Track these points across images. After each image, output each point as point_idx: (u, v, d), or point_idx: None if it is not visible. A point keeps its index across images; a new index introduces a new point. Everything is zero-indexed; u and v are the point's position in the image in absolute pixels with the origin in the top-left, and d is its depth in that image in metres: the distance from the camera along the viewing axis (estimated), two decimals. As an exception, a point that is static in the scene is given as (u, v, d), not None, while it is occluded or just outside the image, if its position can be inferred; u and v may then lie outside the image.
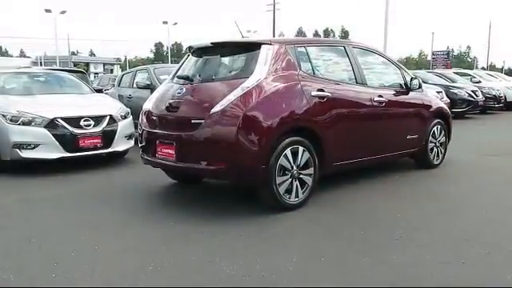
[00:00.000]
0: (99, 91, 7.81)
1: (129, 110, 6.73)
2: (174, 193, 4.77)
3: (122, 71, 27.82)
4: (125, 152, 6.47)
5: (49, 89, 6.94)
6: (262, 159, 3.66)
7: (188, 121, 3.83)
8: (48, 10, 37.89)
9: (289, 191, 3.89)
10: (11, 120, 5.58)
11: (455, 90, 13.58)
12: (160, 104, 4.29)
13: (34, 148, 5.57)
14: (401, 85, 5.32)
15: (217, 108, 3.65)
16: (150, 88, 7.85)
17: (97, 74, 44.80)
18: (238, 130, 3.54)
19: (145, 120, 4.45)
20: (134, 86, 8.52)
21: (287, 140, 3.81)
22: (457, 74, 17.14)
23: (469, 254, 2.97)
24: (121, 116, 6.34)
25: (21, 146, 5.54)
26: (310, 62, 4.22)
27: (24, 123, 5.57)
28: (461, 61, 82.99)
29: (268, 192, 3.77)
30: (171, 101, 4.09)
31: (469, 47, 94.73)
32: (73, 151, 5.72)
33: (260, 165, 3.65)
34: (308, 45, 4.29)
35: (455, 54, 78.40)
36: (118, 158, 6.50)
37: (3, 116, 5.62)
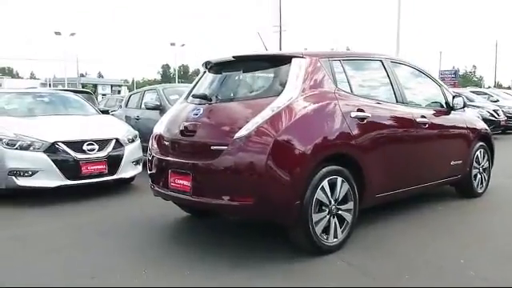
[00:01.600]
0: (105, 112, 7.29)
1: (137, 132, 6.19)
2: (187, 229, 4.15)
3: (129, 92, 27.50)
4: (132, 178, 5.89)
5: (51, 110, 6.42)
6: (297, 193, 3.05)
7: (207, 147, 3.25)
8: (58, 33, 38.08)
9: (326, 230, 3.27)
10: (7, 144, 5.04)
11: (476, 110, 12.95)
12: (173, 127, 3.72)
13: (31, 175, 5.00)
14: (441, 104, 4.72)
15: (242, 132, 3.07)
16: (160, 109, 7.36)
17: (104, 95, 44.66)
18: (267, 159, 2.95)
19: (155, 145, 3.87)
20: (143, 106, 8.02)
21: (324, 170, 3.21)
22: (474, 92, 16.53)
23: None
24: (128, 139, 5.78)
25: (17, 172, 4.98)
26: (347, 77, 3.64)
27: (22, 147, 5.03)
28: (467, 80, 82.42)
29: (302, 232, 3.15)
30: (186, 123, 3.52)
31: (474, 66, 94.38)
32: (74, 178, 5.15)
33: (294, 200, 3.04)
34: (343, 58, 3.72)
35: (461, 73, 78.01)
36: (123, 184, 5.91)
37: (-1, 140, 5.08)
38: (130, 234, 3.89)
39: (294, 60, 3.36)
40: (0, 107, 6.11)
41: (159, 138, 3.86)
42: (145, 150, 6.22)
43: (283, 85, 3.28)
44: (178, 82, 49.02)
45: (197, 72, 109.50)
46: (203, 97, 3.62)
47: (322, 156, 3.20)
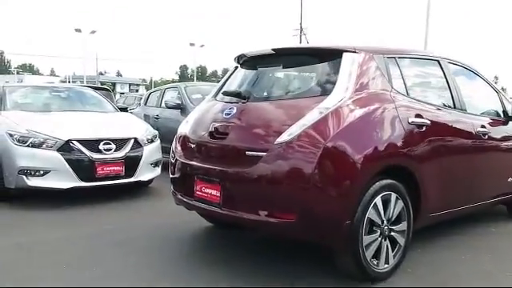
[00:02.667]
0: (124, 110, 6.90)
1: (156, 132, 5.78)
2: (213, 241, 3.70)
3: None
4: (150, 181, 5.48)
5: (67, 105, 6.06)
6: (347, 211, 2.58)
7: (240, 152, 2.80)
8: (78, 30, 38.20)
9: (376, 255, 2.78)
10: (19, 141, 4.67)
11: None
12: (201, 128, 3.28)
13: (43, 175, 4.62)
14: (498, 113, 4.18)
15: (284, 137, 2.61)
16: (181, 108, 6.98)
17: (122, 93, 44.81)
18: (315, 169, 2.48)
19: (179, 148, 3.44)
20: (163, 105, 7.66)
21: (378, 184, 2.73)
22: None
23: None
24: (147, 139, 5.38)
25: (28, 171, 4.60)
26: (402, 77, 3.15)
27: (34, 145, 4.65)
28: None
29: (350, 257, 2.67)
30: (217, 124, 3.07)
31: (496, 77, 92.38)
32: (89, 180, 4.76)
33: (344, 219, 2.56)
34: (399, 55, 3.23)
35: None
36: (141, 187, 5.50)
37: (10, 135, 4.71)
38: (149, 246, 3.46)
39: (345, 55, 2.89)
40: (13, 101, 5.76)
41: (184, 140, 3.42)
42: (164, 151, 5.85)
43: (332, 83, 2.80)
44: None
45: (214, 73, 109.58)
46: (237, 94, 3.16)
47: (378, 168, 2.71)
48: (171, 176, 3.51)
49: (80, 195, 4.87)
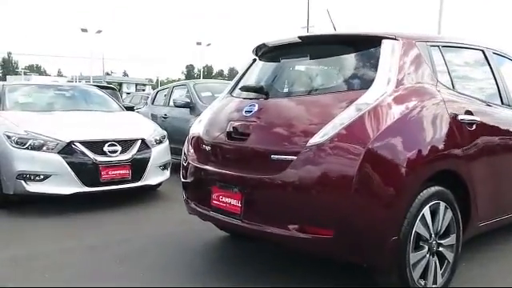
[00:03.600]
0: (130, 109, 6.54)
1: (165, 132, 5.41)
2: (226, 253, 3.32)
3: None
4: (158, 185, 5.11)
5: (70, 105, 5.70)
6: (393, 224, 2.19)
7: (265, 156, 2.41)
8: (84, 30, 38.05)
9: (424, 274, 2.39)
10: (17, 143, 4.32)
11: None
12: (216, 128, 2.91)
13: (43, 180, 4.27)
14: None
15: (317, 138, 2.22)
16: (190, 107, 6.61)
17: (129, 93, 44.63)
18: (357, 175, 2.09)
19: (192, 150, 3.06)
20: (171, 104, 7.29)
21: (426, 192, 2.33)
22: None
23: None
24: (155, 140, 5.01)
25: (27, 176, 4.25)
26: (447, 69, 2.75)
27: (33, 147, 4.30)
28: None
29: (396, 278, 2.28)
30: (235, 124, 2.69)
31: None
32: (93, 185, 4.40)
33: (390, 234, 2.17)
34: (442, 44, 2.82)
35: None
36: (149, 191, 5.14)
37: (8, 137, 4.37)
38: (159, 261, 3.08)
39: (385, 42, 2.48)
40: (13, 100, 5.41)
41: (197, 142, 3.04)
42: (173, 152, 5.49)
43: (371, 75, 2.40)
44: (202, 82, 48.32)
45: (221, 73, 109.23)
46: (258, 90, 2.77)
47: (428, 173, 2.32)
48: (183, 181, 3.14)
49: (83, 201, 4.51)
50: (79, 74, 55.64)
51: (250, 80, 3.11)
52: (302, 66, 2.89)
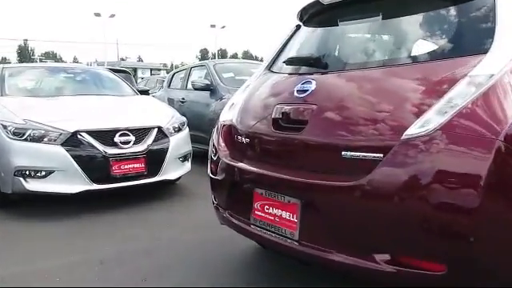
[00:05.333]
0: (144, 93, 5.87)
1: (184, 118, 4.74)
2: (269, 268, 2.65)
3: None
4: (177, 178, 4.47)
5: (78, 89, 5.07)
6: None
7: (334, 153, 1.71)
8: (97, 14, 37.51)
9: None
10: (14, 133, 3.70)
11: None
12: (256, 114, 2.20)
13: (44, 176, 3.65)
14: None
15: (417, 127, 1.50)
16: (210, 89, 5.93)
17: (143, 78, 44.24)
18: (489, 178, 1.37)
19: (223, 143, 2.37)
20: (189, 87, 6.62)
21: None
22: None
23: None
24: (174, 128, 4.35)
25: (26, 172, 3.65)
26: None
27: (32, 139, 3.67)
28: None
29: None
30: (286, 108, 1.97)
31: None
32: (102, 181, 3.77)
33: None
34: None
35: None
36: (167, 185, 4.50)
37: (4, 127, 3.76)
38: (185, 281, 2.44)
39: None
40: (14, 85, 4.79)
41: (230, 132, 2.35)
42: (192, 140, 4.84)
43: (484, 36, 1.65)
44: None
45: (235, 56, 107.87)
46: (313, 62, 2.05)
47: None
48: (212, 180, 2.46)
49: (91, 201, 3.90)
50: (94, 60, 55.38)
51: (296, 51, 2.39)
52: (372, 28, 2.13)
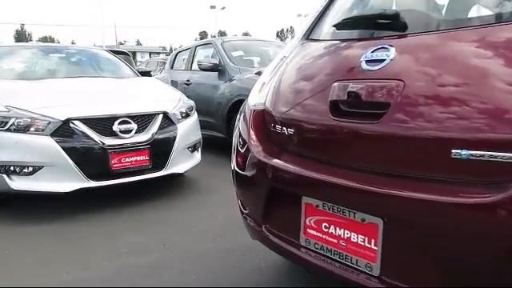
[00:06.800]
0: (146, 74, 5.26)
1: (192, 102, 4.17)
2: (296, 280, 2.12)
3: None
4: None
5: (71, 71, 4.49)
6: None
7: (438, 151, 1.14)
8: (94, -4, 36.52)
9: None
10: (-5, 123, 3.13)
11: None
12: (301, 95, 1.64)
13: (32, 173, 3.10)
14: None
15: None
16: (219, 69, 5.34)
17: (142, 62, 43.62)
18: None
19: (254, 136, 1.79)
20: (194, 67, 6.04)
21: None
22: None
23: None
24: (181, 113, 3.79)
25: (10, 169, 3.09)
26: None
27: (17, 129, 3.11)
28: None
29: None
30: (352, 86, 1.39)
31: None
32: (100, 177, 3.22)
33: None
34: None
35: None
36: (174, 178, 3.96)
37: (-17, 116, 3.18)
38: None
39: None
40: (-2, 66, 4.20)
41: (264, 119, 1.78)
42: (200, 126, 4.27)
43: None
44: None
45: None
46: (389, 20, 1.46)
47: None
48: (238, 180, 1.90)
49: (87, 200, 3.36)
50: (93, 44, 54.59)
51: (347, 10, 1.80)
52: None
